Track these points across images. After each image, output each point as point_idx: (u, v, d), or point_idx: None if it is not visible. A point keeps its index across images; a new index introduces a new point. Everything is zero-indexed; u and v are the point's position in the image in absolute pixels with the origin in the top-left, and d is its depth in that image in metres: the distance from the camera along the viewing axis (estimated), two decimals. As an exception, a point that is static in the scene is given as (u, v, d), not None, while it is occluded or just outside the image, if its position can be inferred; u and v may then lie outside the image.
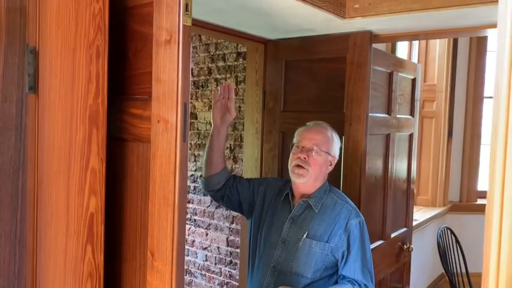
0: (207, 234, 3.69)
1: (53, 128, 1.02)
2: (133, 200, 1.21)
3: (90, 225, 1.11)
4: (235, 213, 3.37)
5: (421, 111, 4.04)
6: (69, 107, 1.05)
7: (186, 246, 3.88)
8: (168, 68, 1.08)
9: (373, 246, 2.38)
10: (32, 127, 0.98)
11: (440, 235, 3.59)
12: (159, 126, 1.10)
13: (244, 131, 2.57)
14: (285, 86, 2.33)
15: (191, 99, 3.78)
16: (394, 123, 2.51)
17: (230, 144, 3.49)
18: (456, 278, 3.45)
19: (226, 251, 3.57)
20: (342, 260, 1.68)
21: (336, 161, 1.79)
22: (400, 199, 2.71)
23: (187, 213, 3.83)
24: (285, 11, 1.73)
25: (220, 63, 3.55)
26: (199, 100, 3.71)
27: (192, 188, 3.79)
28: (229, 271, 3.55)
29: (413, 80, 2.75)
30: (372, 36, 2.04)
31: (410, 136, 2.76)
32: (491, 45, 4.40)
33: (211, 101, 3.62)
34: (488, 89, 4.43)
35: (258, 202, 1.85)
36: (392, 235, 2.61)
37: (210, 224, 3.67)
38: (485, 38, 4.25)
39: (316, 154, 1.70)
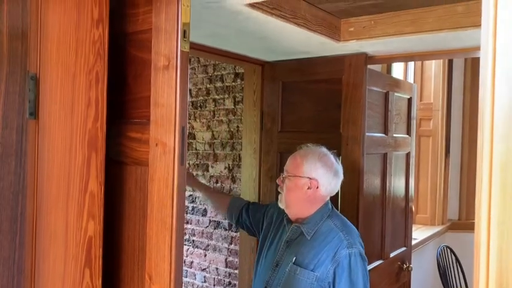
0: (205, 255, 3.67)
1: (52, 152, 1.03)
2: (132, 223, 1.21)
3: (89, 249, 1.11)
4: (234, 234, 3.36)
5: (418, 130, 4.07)
6: (69, 131, 1.06)
7: (185, 268, 3.85)
8: (166, 93, 1.10)
9: (372, 266, 2.38)
10: (31, 152, 0.99)
11: (440, 254, 3.57)
12: (157, 150, 1.11)
13: (242, 151, 2.58)
14: (282, 107, 2.35)
15: (189, 119, 3.81)
16: (391, 142, 2.53)
17: (228, 164, 3.50)
18: (457, 297, 3.43)
19: (225, 272, 3.54)
20: None
21: (320, 183, 1.69)
22: (399, 218, 2.71)
23: (185, 234, 3.81)
24: (281, 35, 1.76)
25: (218, 84, 3.58)
26: (198, 120, 3.74)
27: (190, 208, 3.79)
28: (228, 292, 3.52)
29: (410, 100, 2.78)
30: (367, 58, 2.07)
31: (408, 155, 2.78)
32: (486, 64, 4.46)
33: (209, 122, 3.65)
34: (484, 107, 4.47)
35: (266, 224, 1.90)
36: (392, 254, 2.60)
37: (208, 245, 3.65)
38: (479, 58, 4.31)
39: (287, 179, 1.72)
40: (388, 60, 2.24)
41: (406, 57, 2.15)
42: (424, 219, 4.13)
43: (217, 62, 3.56)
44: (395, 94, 2.55)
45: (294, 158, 1.75)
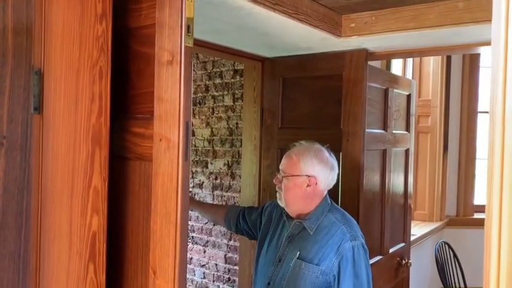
0: (204, 252, 3.68)
1: (56, 147, 1.03)
2: (136, 218, 1.22)
3: (93, 244, 1.11)
4: (233, 230, 3.37)
5: (416, 127, 4.08)
6: (73, 126, 1.06)
7: (184, 264, 3.85)
8: (170, 88, 1.10)
9: (371, 261, 2.38)
10: (36, 147, 0.99)
11: (438, 250, 3.59)
12: (161, 145, 1.12)
13: (242, 148, 2.58)
14: (282, 103, 2.35)
15: (188, 116, 3.80)
16: (390, 138, 2.53)
17: (228, 161, 3.50)
18: (455, 292, 3.45)
19: (225, 268, 3.55)
20: (334, 284, 1.63)
21: (319, 179, 1.70)
22: (398, 214, 2.72)
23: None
24: (283, 30, 1.76)
25: (218, 81, 3.58)
26: (197, 117, 3.74)
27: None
28: (227, 288, 3.53)
29: (409, 96, 2.79)
30: (367, 54, 2.08)
31: (407, 151, 2.79)
32: (484, 61, 4.47)
33: (208, 118, 3.65)
34: (482, 104, 4.49)
35: (264, 222, 1.91)
36: (391, 250, 2.61)
37: (207, 241, 3.66)
38: (477, 54, 4.33)
39: (284, 179, 1.72)
40: (388, 56, 2.25)
41: (406, 54, 2.16)
42: (422, 216, 4.15)
43: (216, 59, 3.56)
44: (395, 90, 2.55)
45: (289, 157, 1.74)
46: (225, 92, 3.53)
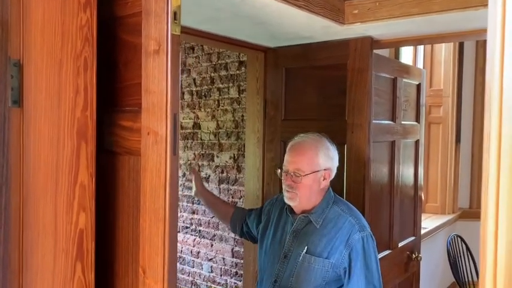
0: (212, 245, 3.65)
1: (38, 142, 0.99)
2: (125, 215, 1.17)
3: (80, 242, 1.07)
4: (239, 224, 3.33)
5: (427, 117, 3.98)
6: (56, 120, 1.02)
7: (191, 258, 3.83)
8: (157, 78, 1.05)
9: (380, 255, 2.32)
10: (16, 142, 0.95)
11: (450, 243, 3.51)
12: (149, 139, 1.07)
13: (246, 141, 2.53)
14: (285, 94, 2.29)
15: (194, 109, 3.76)
16: (399, 129, 2.46)
17: (234, 154, 3.45)
18: (467, 287, 3.36)
19: (232, 262, 3.52)
20: (345, 277, 1.61)
21: (332, 171, 1.69)
22: (408, 207, 2.65)
23: (191, 224, 3.79)
24: (281, 19, 1.70)
25: (223, 73, 3.53)
26: (202, 110, 3.69)
27: (196, 198, 3.76)
28: (235, 283, 3.50)
29: (418, 86, 2.70)
30: (372, 42, 2.00)
31: (417, 142, 2.71)
32: (498, 48, 4.33)
33: (214, 111, 3.60)
34: (496, 93, 4.35)
35: (264, 222, 1.86)
36: (400, 244, 2.55)
37: (215, 235, 3.63)
38: (491, 41, 4.18)
39: (300, 178, 1.63)
40: (395, 44, 2.16)
41: (414, 41, 2.07)
42: (434, 208, 4.06)
43: (221, 50, 3.50)
44: (404, 80, 2.47)
45: (303, 153, 1.65)
46: (231, 84, 3.47)
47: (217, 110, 3.58)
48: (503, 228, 0.47)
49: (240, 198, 3.35)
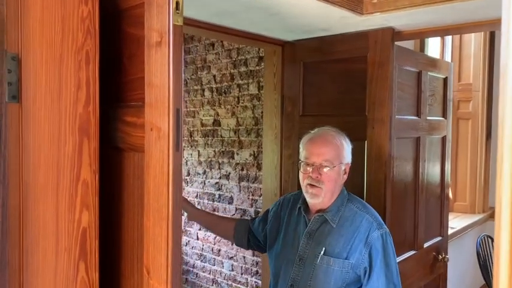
0: (232, 244, 3.62)
1: (38, 139, 0.96)
2: (130, 214, 1.14)
3: (83, 241, 1.04)
4: (260, 222, 3.29)
5: (456, 112, 3.82)
6: (57, 116, 0.99)
7: (212, 256, 3.81)
8: (159, 72, 1.00)
9: (404, 256, 2.24)
10: (14, 139, 0.92)
11: (480, 244, 3.36)
12: (152, 135, 1.03)
13: (263, 138, 2.48)
14: (303, 89, 2.22)
15: (214, 106, 3.73)
16: (425, 125, 2.35)
17: (254, 151, 3.40)
18: (499, 290, 3.21)
19: (252, 260, 3.48)
20: (364, 276, 1.54)
21: (349, 165, 1.65)
22: (434, 206, 2.54)
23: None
24: (295, 9, 1.63)
25: (243, 69, 3.48)
26: (222, 107, 3.66)
27: (217, 196, 3.73)
28: (255, 281, 3.45)
29: (445, 80, 2.58)
30: (394, 33, 1.90)
31: (443, 139, 2.59)
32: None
33: (233, 108, 3.56)
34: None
35: (271, 224, 1.79)
36: (426, 245, 2.45)
37: (235, 233, 3.59)
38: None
39: (329, 170, 1.56)
40: (418, 36, 2.05)
41: (438, 31, 1.96)
42: (463, 207, 3.90)
43: (241, 46, 3.46)
44: (429, 74, 2.36)
45: (330, 144, 1.58)
46: (250, 80, 3.43)
47: (237, 107, 3.54)
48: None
49: (260, 196, 3.30)
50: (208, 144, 3.80)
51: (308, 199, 1.62)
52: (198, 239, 3.94)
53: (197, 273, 3.94)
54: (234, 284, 3.61)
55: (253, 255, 3.46)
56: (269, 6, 1.57)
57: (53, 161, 0.99)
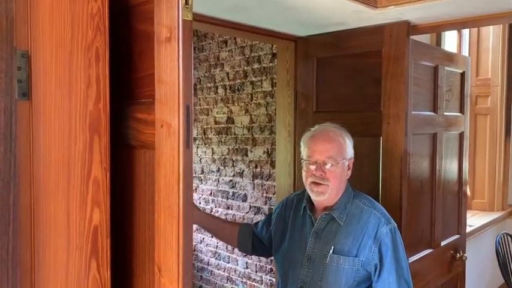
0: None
1: (49, 136, 0.96)
2: (142, 211, 1.13)
3: (94, 239, 1.04)
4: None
5: (474, 108, 3.74)
6: (67, 113, 0.98)
7: (227, 253, 3.80)
8: (169, 68, 0.99)
9: (421, 255, 2.20)
10: (25, 137, 0.92)
11: (499, 242, 3.29)
12: (163, 131, 1.02)
13: (277, 135, 2.45)
14: (317, 85, 2.19)
15: (227, 103, 3.72)
16: (441, 121, 2.30)
17: (267, 149, 3.38)
18: (519, 289, 3.14)
19: (267, 259, 3.46)
20: (375, 273, 1.51)
21: (353, 161, 1.63)
22: (451, 204, 2.49)
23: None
24: (309, 3, 1.60)
25: (256, 66, 3.46)
26: (236, 104, 3.65)
27: (230, 194, 3.73)
28: (270, 279, 3.44)
29: (463, 74, 2.53)
30: (409, 27, 1.86)
31: (461, 135, 2.54)
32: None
33: (247, 105, 3.54)
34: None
35: (275, 224, 1.76)
36: (443, 243, 2.41)
37: (249, 231, 3.58)
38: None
39: (333, 166, 1.53)
40: (434, 29, 2.00)
41: (456, 25, 1.91)
42: (481, 205, 3.83)
43: (254, 43, 3.44)
44: (446, 68, 2.31)
45: (332, 140, 1.57)
46: (263, 77, 3.40)
47: (251, 104, 3.52)
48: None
49: (274, 194, 3.28)
50: (222, 141, 3.80)
51: (313, 197, 1.59)
52: (212, 236, 3.94)
53: (212, 271, 3.95)
54: (248, 281, 3.60)
55: (268, 253, 3.44)
56: (283, 1, 1.55)
57: (64, 159, 0.98)
